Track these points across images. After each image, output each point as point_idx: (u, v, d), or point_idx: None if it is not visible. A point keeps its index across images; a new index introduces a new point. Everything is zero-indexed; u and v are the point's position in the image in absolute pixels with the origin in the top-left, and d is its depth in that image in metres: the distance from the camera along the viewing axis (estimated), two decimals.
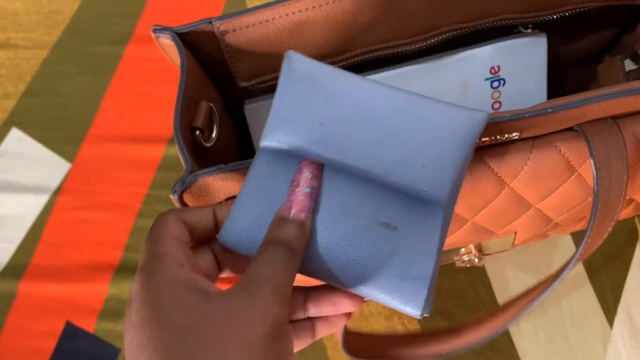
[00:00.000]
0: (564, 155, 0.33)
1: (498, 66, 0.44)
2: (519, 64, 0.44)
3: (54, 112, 0.63)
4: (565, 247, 0.53)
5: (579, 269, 0.52)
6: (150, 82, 0.63)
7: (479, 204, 0.35)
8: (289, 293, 0.25)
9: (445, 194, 0.27)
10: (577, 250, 0.33)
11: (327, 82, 0.28)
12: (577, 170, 0.34)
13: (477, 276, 0.52)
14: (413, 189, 0.27)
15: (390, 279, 0.26)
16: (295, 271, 0.26)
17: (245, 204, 0.28)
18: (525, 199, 0.36)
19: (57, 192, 0.59)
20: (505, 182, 0.34)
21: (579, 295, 0.51)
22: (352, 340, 0.39)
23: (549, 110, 0.31)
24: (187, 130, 0.34)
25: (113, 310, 0.54)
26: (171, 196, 0.31)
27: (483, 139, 0.32)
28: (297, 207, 0.27)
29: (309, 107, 0.28)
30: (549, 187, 0.35)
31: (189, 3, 0.66)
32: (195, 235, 0.28)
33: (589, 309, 0.51)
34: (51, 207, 0.59)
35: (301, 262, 0.27)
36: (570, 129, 0.34)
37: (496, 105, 0.45)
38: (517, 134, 0.32)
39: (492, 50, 0.42)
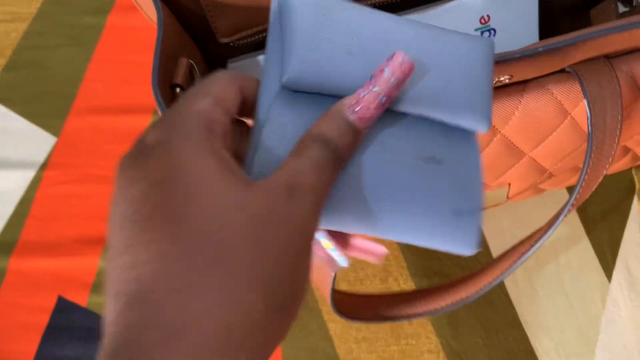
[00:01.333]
0: (557, 98, 0.32)
1: (488, 16, 0.42)
2: (510, 14, 0.42)
3: (37, 85, 0.61)
4: (561, 202, 0.52)
5: (576, 224, 0.51)
6: (134, 51, 0.62)
7: None
8: (323, 202, 0.21)
9: (487, 119, 0.24)
10: (574, 192, 0.32)
11: (342, 13, 0.24)
12: (570, 114, 0.33)
13: None
14: (456, 117, 0.24)
15: (443, 216, 0.23)
16: (332, 184, 0.21)
17: (267, 144, 0.22)
18: (517, 147, 0.35)
19: (44, 166, 0.58)
20: (497, 129, 0.33)
21: (576, 250, 0.51)
22: (342, 300, 0.38)
23: (540, 49, 0.30)
24: (167, 87, 0.33)
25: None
26: None
27: None
28: (363, 110, 0.21)
29: (333, 35, 0.23)
30: (542, 133, 0.34)
31: None
32: (244, 112, 0.22)
33: (587, 264, 0.50)
34: (38, 182, 0.57)
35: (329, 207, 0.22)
36: (562, 70, 0.32)
37: None
38: (507, 76, 0.31)
39: (482, 0, 0.41)
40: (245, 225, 0.18)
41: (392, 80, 0.22)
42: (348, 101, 0.22)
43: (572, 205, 0.32)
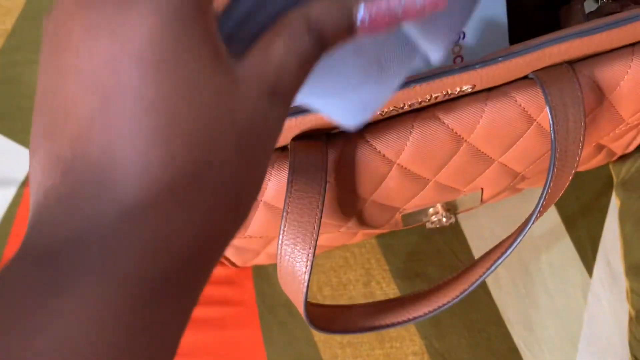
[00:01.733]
0: (521, 105, 0.32)
1: None
2: (478, 16, 0.42)
3: (14, 101, 0.61)
4: None
5: (556, 221, 0.51)
6: None
7: (438, 162, 0.34)
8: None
9: (442, 52, 0.23)
10: (540, 198, 0.32)
11: None
12: (535, 120, 0.33)
13: (454, 236, 0.51)
14: (423, 38, 0.23)
15: (353, 101, 0.24)
16: (307, 74, 0.18)
17: None
18: (486, 154, 0.35)
19: (25, 183, 0.58)
20: (463, 138, 0.33)
21: (557, 248, 0.51)
22: (319, 313, 0.38)
23: (500, 59, 0.30)
24: None
25: None
26: None
27: (435, 95, 0.31)
28: (374, 17, 0.18)
29: None
30: (509, 140, 0.34)
31: None
32: None
33: (568, 261, 0.50)
34: (19, 200, 0.57)
35: None
36: (525, 77, 0.32)
37: (458, 60, 0.44)
38: (469, 86, 0.31)
39: None
40: (232, 136, 0.16)
41: (419, 2, 0.19)
42: (361, 4, 0.18)
43: (540, 212, 0.32)
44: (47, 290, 0.15)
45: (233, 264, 0.48)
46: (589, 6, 0.41)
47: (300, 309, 0.33)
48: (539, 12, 0.46)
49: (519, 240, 0.33)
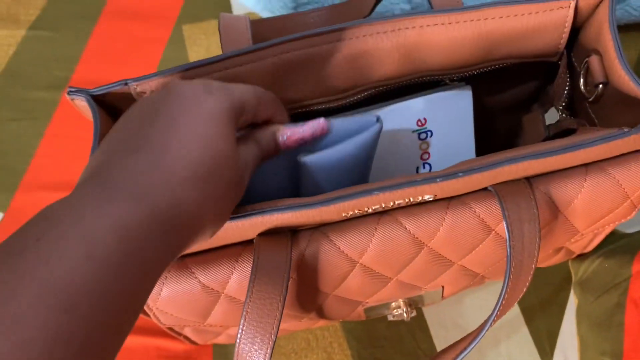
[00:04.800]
0: (479, 216, 0.33)
1: (425, 119, 0.44)
2: (445, 116, 0.44)
3: None
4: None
5: (515, 313, 0.52)
6: (87, 127, 0.62)
7: (399, 264, 0.35)
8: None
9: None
10: (493, 310, 0.33)
11: None
12: (493, 230, 0.34)
13: (416, 323, 0.52)
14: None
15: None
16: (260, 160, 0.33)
17: None
18: (446, 257, 0.36)
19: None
20: (423, 243, 0.34)
21: (516, 339, 0.51)
22: None
23: (460, 174, 0.31)
24: None
25: None
26: None
27: (397, 201, 0.32)
28: (289, 139, 0.33)
29: None
30: (468, 246, 0.35)
31: (129, 47, 0.66)
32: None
33: (527, 353, 0.51)
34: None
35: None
36: (485, 188, 0.34)
37: (425, 156, 0.45)
38: (431, 196, 0.33)
39: (417, 104, 0.43)
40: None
41: (312, 131, 0.34)
42: (283, 130, 0.33)
43: (494, 320, 0.33)
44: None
45: (193, 342, 0.47)
46: (551, 116, 0.44)
47: None
48: (503, 115, 0.48)
49: (472, 347, 0.34)
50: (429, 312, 0.52)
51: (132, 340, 0.51)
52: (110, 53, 0.66)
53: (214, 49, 0.65)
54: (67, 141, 0.62)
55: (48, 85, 0.64)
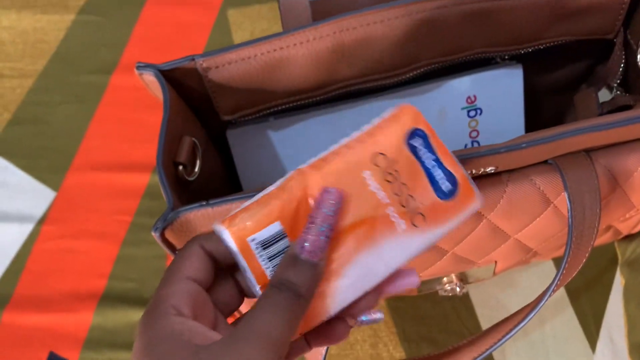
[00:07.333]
0: (540, 188, 0.34)
1: (474, 96, 0.44)
2: (496, 94, 0.45)
3: (39, 141, 0.63)
4: (547, 271, 0.53)
5: (560, 294, 0.53)
6: (135, 109, 0.64)
7: (458, 235, 0.36)
8: (286, 344, 0.23)
9: None
10: (554, 279, 0.34)
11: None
12: (552, 202, 0.35)
13: (461, 302, 0.52)
14: None
15: None
16: (299, 319, 0.24)
17: None
18: (503, 230, 0.36)
19: (42, 221, 0.59)
20: (483, 215, 0.35)
21: (561, 319, 0.52)
22: None
23: (523, 145, 0.32)
24: (170, 165, 0.35)
25: (97, 340, 0.54)
26: (153, 233, 0.31)
27: None
28: (312, 245, 0.24)
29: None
30: (526, 219, 0.36)
31: (174, 32, 0.67)
32: (224, 262, 0.27)
33: (572, 333, 0.51)
34: (36, 236, 0.58)
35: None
36: (545, 162, 0.34)
37: (474, 134, 0.46)
38: (492, 168, 0.33)
39: (469, 81, 0.43)
40: None
41: (326, 210, 0.25)
42: (296, 241, 0.25)
43: (553, 290, 0.33)
44: None
45: None
46: (603, 96, 0.44)
47: None
48: (552, 96, 0.49)
49: (530, 316, 0.35)
50: (473, 292, 0.53)
51: None
52: (157, 38, 0.67)
53: (258, 34, 0.66)
54: (115, 123, 0.63)
55: (97, 69, 0.66)
